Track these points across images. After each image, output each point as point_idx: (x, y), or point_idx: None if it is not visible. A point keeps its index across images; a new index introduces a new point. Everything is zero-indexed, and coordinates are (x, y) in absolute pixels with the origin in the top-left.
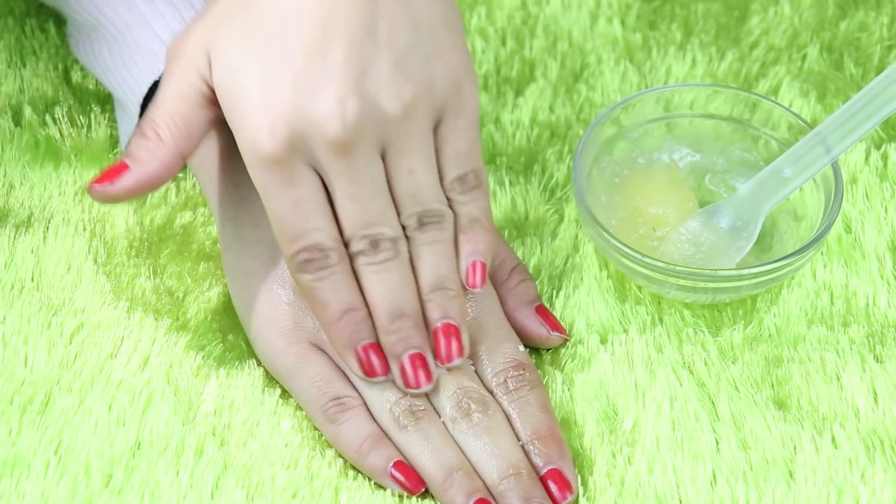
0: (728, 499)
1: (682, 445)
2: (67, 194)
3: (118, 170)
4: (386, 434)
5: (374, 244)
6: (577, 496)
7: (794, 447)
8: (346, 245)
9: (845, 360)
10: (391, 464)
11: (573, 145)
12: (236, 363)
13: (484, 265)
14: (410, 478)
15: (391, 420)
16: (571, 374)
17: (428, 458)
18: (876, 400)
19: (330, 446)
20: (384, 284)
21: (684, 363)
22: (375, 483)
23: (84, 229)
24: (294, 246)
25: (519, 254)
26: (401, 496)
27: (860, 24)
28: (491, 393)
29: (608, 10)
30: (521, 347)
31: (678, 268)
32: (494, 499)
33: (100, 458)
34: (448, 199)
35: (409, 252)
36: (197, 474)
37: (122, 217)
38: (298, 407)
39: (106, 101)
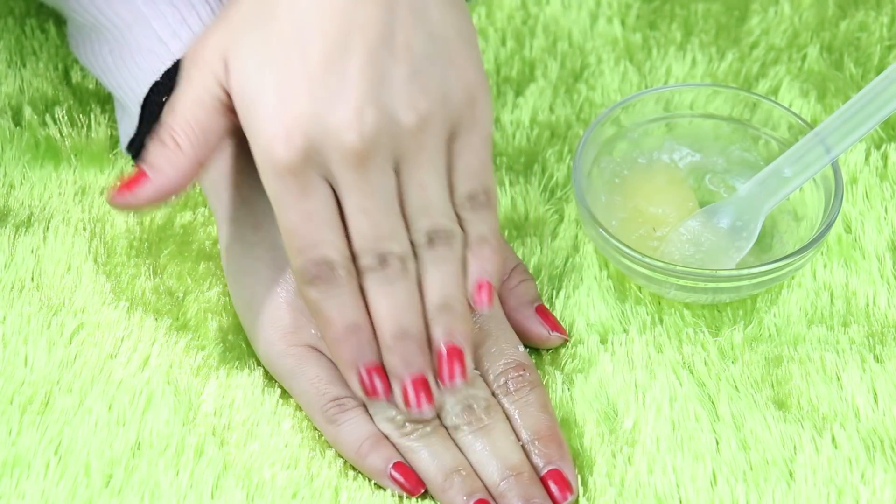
0: (728, 499)
1: (682, 445)
2: (67, 194)
3: (137, 179)
4: (385, 435)
5: (383, 260)
6: (577, 496)
7: (794, 447)
8: (354, 259)
9: (845, 360)
10: (391, 464)
11: (573, 145)
12: (236, 363)
13: (491, 286)
14: (410, 479)
15: (391, 421)
16: (571, 374)
17: (427, 459)
18: (876, 400)
19: (330, 447)
20: (390, 302)
21: (684, 363)
22: (375, 483)
23: (84, 229)
24: (302, 258)
25: (519, 254)
26: (401, 497)
27: (860, 24)
28: (491, 393)
29: (608, 10)
30: (522, 348)
31: (678, 268)
32: (494, 499)
33: (100, 458)
34: (457, 215)
35: (417, 269)
36: (197, 474)
37: (122, 217)
38: (298, 407)
39: (106, 101)
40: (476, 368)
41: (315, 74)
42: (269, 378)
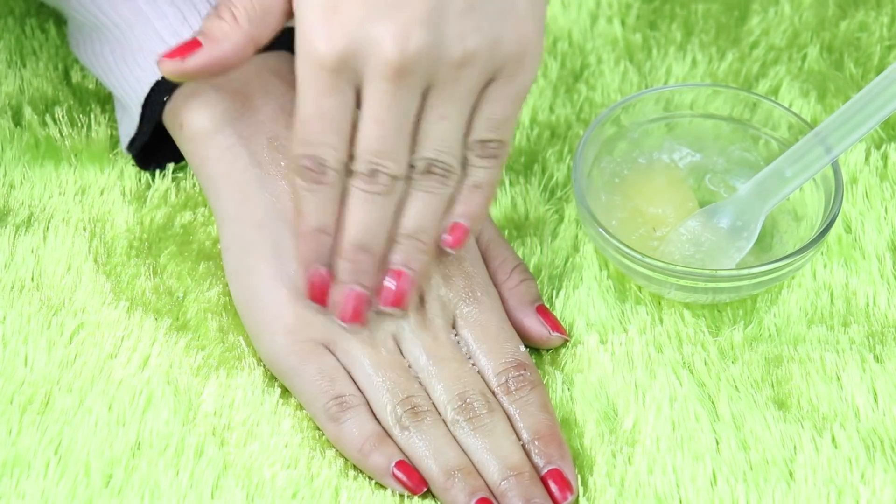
0: (728, 499)
1: (682, 445)
2: (67, 194)
3: (191, 46)
4: (388, 434)
5: (373, 173)
6: (578, 496)
7: (794, 447)
8: (350, 163)
9: (845, 360)
10: (393, 463)
11: (573, 145)
12: (236, 363)
13: (467, 231)
14: (412, 477)
15: (393, 420)
16: (571, 374)
17: (430, 458)
18: (876, 400)
19: (330, 446)
20: (362, 214)
21: (684, 363)
22: (376, 483)
23: (84, 229)
24: (301, 150)
25: (519, 254)
26: (401, 496)
27: (860, 24)
28: (492, 393)
29: (608, 10)
30: (522, 347)
31: (678, 268)
32: (496, 499)
33: (100, 458)
34: (465, 158)
35: (404, 193)
36: (197, 474)
37: (122, 217)
38: (298, 407)
39: (106, 101)
40: (476, 367)
41: None
42: (269, 378)
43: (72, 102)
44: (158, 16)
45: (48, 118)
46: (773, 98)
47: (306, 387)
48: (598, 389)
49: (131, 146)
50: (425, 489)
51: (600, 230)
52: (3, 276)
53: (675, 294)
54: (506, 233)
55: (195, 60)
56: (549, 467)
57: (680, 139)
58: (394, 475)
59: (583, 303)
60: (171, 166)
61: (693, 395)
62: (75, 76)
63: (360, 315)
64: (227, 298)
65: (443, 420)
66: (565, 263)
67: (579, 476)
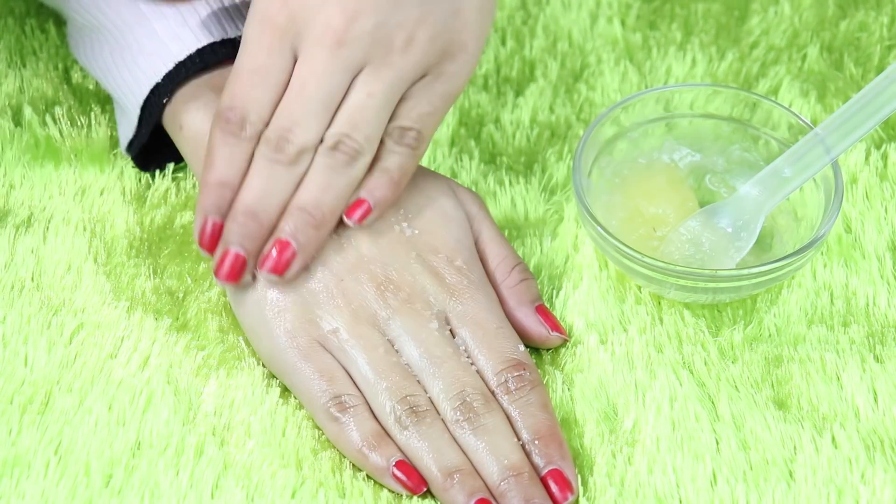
0: (728, 499)
1: (682, 445)
2: (67, 194)
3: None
4: (387, 433)
5: (280, 141)
6: (578, 496)
7: (794, 447)
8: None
9: (845, 360)
10: (393, 463)
11: (573, 145)
12: (236, 363)
13: (370, 209)
14: (412, 477)
15: (392, 419)
16: (571, 374)
17: (429, 458)
18: (876, 400)
19: (330, 445)
20: (261, 180)
21: (684, 363)
22: (376, 483)
23: (84, 229)
24: (228, 100)
25: (519, 253)
26: (400, 496)
27: (860, 24)
28: (492, 393)
29: (608, 10)
30: (522, 347)
31: (678, 268)
32: (495, 499)
33: (100, 458)
34: (382, 143)
35: (309, 168)
36: (197, 474)
37: (122, 217)
38: (298, 406)
39: (106, 101)
40: (475, 367)
41: None
42: (269, 378)
43: (72, 102)
44: (158, 18)
45: (48, 118)
46: (773, 98)
47: (305, 386)
48: (598, 389)
49: (130, 148)
50: (425, 489)
51: (600, 230)
52: (3, 276)
53: (675, 294)
54: (506, 233)
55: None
56: (550, 467)
57: (680, 139)
58: (393, 475)
59: (583, 303)
60: (170, 166)
61: (693, 395)
62: (75, 76)
63: (235, 275)
64: (227, 298)
65: (442, 420)
66: (565, 263)
67: (579, 476)
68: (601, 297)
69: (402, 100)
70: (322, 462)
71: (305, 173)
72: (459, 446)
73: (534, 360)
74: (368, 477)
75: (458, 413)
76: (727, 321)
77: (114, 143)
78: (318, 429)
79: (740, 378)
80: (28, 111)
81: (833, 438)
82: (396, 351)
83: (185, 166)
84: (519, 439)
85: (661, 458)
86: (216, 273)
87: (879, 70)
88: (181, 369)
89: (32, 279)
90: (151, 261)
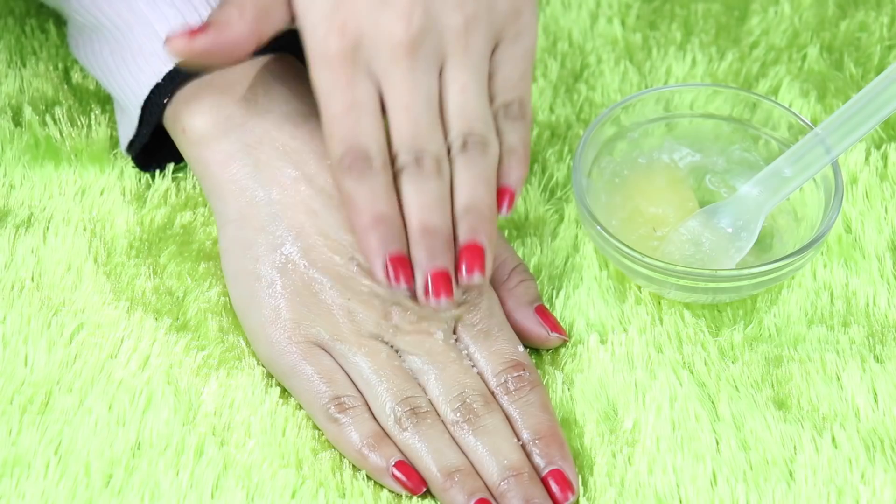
0: (728, 499)
1: (682, 445)
2: (67, 194)
3: (199, 29)
4: (387, 434)
5: (418, 159)
6: (578, 496)
7: (794, 447)
8: (392, 159)
9: (845, 360)
10: (392, 463)
11: (573, 145)
12: (236, 363)
13: (513, 194)
14: (412, 478)
15: (392, 420)
16: (571, 374)
17: (429, 459)
18: (876, 400)
19: (330, 446)
20: (421, 198)
21: (684, 363)
22: (376, 483)
23: (84, 229)
24: (342, 146)
25: (519, 254)
26: (400, 496)
27: (860, 24)
28: (491, 393)
29: (608, 10)
30: (521, 348)
31: (678, 268)
32: (495, 499)
33: (100, 458)
34: (496, 125)
35: (451, 171)
36: (197, 474)
37: (122, 217)
38: (298, 406)
39: (106, 101)
40: (475, 367)
41: None
42: (269, 378)
43: (72, 102)
44: (158, 18)
45: (48, 118)
46: (773, 98)
47: (305, 387)
48: (598, 389)
49: (130, 148)
50: (424, 489)
51: (600, 230)
52: (3, 276)
53: (675, 294)
54: (506, 233)
55: (202, 41)
56: (551, 468)
57: (680, 139)
58: (393, 475)
59: (583, 303)
60: (170, 166)
61: (693, 395)
62: (75, 76)
63: (448, 291)
64: (227, 298)
65: (442, 420)
66: (565, 263)
67: (580, 476)
68: (601, 297)
69: (490, 75)
70: (322, 462)
71: (451, 179)
72: (459, 447)
73: (533, 361)
74: (368, 477)
75: (458, 414)
76: (727, 321)
77: (114, 143)
78: (318, 429)
79: (740, 378)
80: (28, 111)
81: (833, 438)
82: (398, 354)
83: (185, 166)
84: (519, 439)
85: (661, 458)
86: (428, 299)
87: (879, 70)
88: (181, 369)
89: (32, 279)
90: (151, 261)
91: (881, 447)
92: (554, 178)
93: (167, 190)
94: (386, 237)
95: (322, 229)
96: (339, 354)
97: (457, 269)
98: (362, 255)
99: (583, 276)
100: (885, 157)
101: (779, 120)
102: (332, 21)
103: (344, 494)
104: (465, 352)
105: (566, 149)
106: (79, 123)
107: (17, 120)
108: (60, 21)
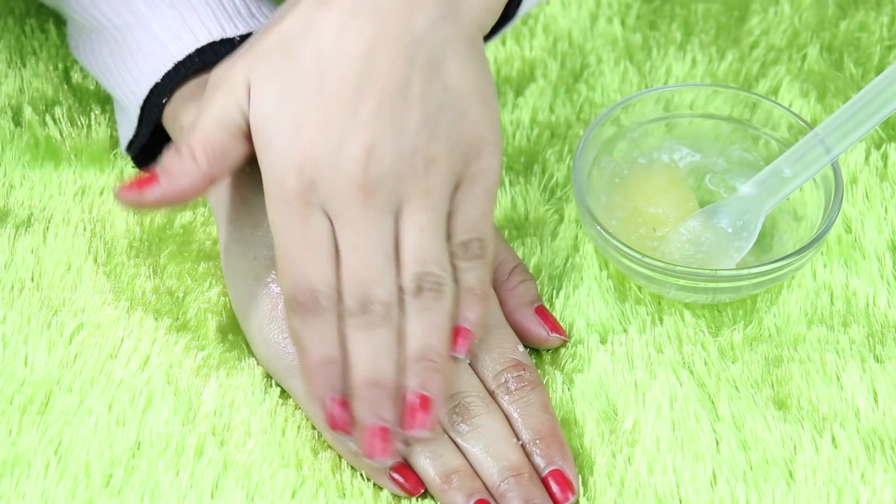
0: (728, 499)
1: (682, 445)
2: (67, 194)
3: (148, 180)
4: None
5: (365, 305)
6: (578, 496)
7: (794, 447)
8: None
9: (845, 360)
10: (390, 465)
11: (573, 145)
12: (236, 363)
13: (469, 333)
14: (410, 479)
15: None
16: (571, 374)
17: (427, 459)
18: (876, 400)
19: (329, 446)
20: (366, 350)
21: (684, 363)
22: (375, 483)
23: (84, 229)
24: (291, 283)
25: (519, 254)
26: (399, 497)
27: (860, 24)
28: (491, 393)
29: (608, 10)
30: (521, 347)
31: (678, 268)
32: (495, 500)
33: (100, 458)
34: (452, 266)
35: (403, 317)
36: (197, 474)
37: (122, 217)
38: (298, 406)
39: (106, 101)
40: (475, 368)
41: (331, 114)
42: (269, 378)
43: (72, 102)
44: (157, 18)
45: (48, 118)
46: (773, 98)
47: (304, 388)
48: (598, 389)
49: (130, 148)
50: (422, 491)
51: (600, 230)
52: (3, 276)
53: (675, 294)
54: (506, 233)
55: (152, 194)
56: (551, 468)
57: (680, 139)
58: (391, 477)
59: (583, 303)
60: None
61: (693, 395)
62: (75, 76)
63: (388, 449)
64: (227, 298)
65: (440, 422)
66: (565, 263)
67: (580, 476)
68: (601, 297)
69: (449, 216)
70: (322, 462)
71: (400, 324)
72: (458, 448)
73: (533, 361)
74: (368, 478)
75: (456, 414)
76: (727, 321)
77: (114, 143)
78: (318, 429)
79: (740, 378)
80: (28, 111)
81: (833, 438)
82: None
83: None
84: (519, 439)
85: (661, 458)
86: (369, 455)
87: (879, 70)
88: (181, 369)
89: (32, 279)
90: (151, 261)
91: (881, 447)
92: (554, 178)
93: None
94: (329, 382)
95: None
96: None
97: (401, 419)
98: (308, 391)
99: (583, 276)
100: (885, 157)
101: (779, 120)
102: (290, 159)
103: (344, 494)
104: None
105: (566, 149)
106: (79, 123)
107: (17, 120)
108: (60, 21)
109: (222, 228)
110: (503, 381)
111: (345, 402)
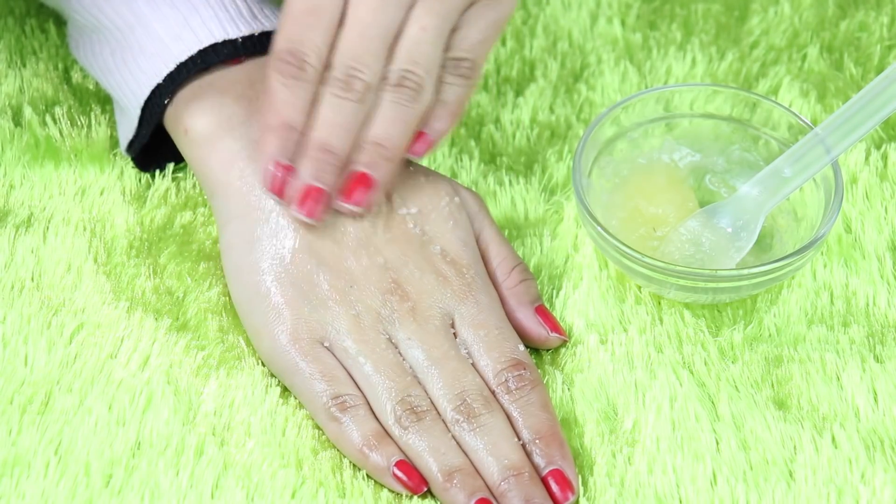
0: (728, 499)
1: (682, 445)
2: (67, 194)
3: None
4: (387, 433)
5: (348, 80)
6: (578, 496)
7: (794, 447)
8: (326, 66)
9: (845, 360)
10: (393, 463)
11: (573, 145)
12: (236, 363)
13: (430, 140)
14: (413, 477)
15: (393, 420)
16: (571, 374)
17: (429, 458)
18: (876, 400)
19: (330, 445)
20: (332, 115)
21: (684, 363)
22: (376, 483)
23: (84, 229)
24: (284, 45)
25: (519, 254)
26: (401, 496)
27: (860, 24)
28: (492, 392)
29: (608, 10)
30: (521, 347)
31: (678, 268)
32: (496, 499)
33: (100, 458)
34: (438, 77)
35: (376, 106)
36: (197, 474)
37: (122, 217)
38: (298, 406)
39: (106, 101)
40: (475, 367)
41: None
42: (269, 377)
43: (72, 102)
44: (159, 18)
45: (48, 118)
46: (773, 98)
47: (306, 386)
48: (598, 389)
49: (130, 148)
50: (425, 489)
51: (600, 230)
52: (3, 276)
53: (675, 294)
54: (506, 233)
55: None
56: (551, 467)
57: (680, 139)
58: (394, 475)
59: (583, 303)
60: (170, 166)
61: (693, 395)
62: (75, 76)
63: (315, 210)
64: (227, 298)
65: (442, 420)
66: (565, 263)
67: (579, 476)
68: (601, 297)
69: (454, 30)
70: (322, 462)
71: (370, 109)
72: (460, 446)
73: (534, 361)
74: (368, 477)
75: (458, 413)
76: (727, 321)
77: (114, 143)
78: (319, 429)
79: (740, 378)
80: (28, 111)
81: (833, 438)
82: (399, 353)
83: (185, 166)
84: (519, 439)
85: (661, 458)
86: (299, 209)
87: (879, 70)
88: (181, 369)
89: (32, 279)
90: (151, 261)
91: (881, 447)
92: (554, 178)
93: (167, 190)
94: (283, 146)
95: (323, 225)
96: (340, 351)
97: (341, 189)
98: (259, 147)
99: (583, 276)
100: (885, 157)
101: (779, 120)
102: None
103: (344, 494)
104: (465, 350)
105: (566, 149)
106: (79, 123)
107: (17, 120)
108: (60, 21)
109: (225, 227)
110: (504, 380)
111: (288, 168)
